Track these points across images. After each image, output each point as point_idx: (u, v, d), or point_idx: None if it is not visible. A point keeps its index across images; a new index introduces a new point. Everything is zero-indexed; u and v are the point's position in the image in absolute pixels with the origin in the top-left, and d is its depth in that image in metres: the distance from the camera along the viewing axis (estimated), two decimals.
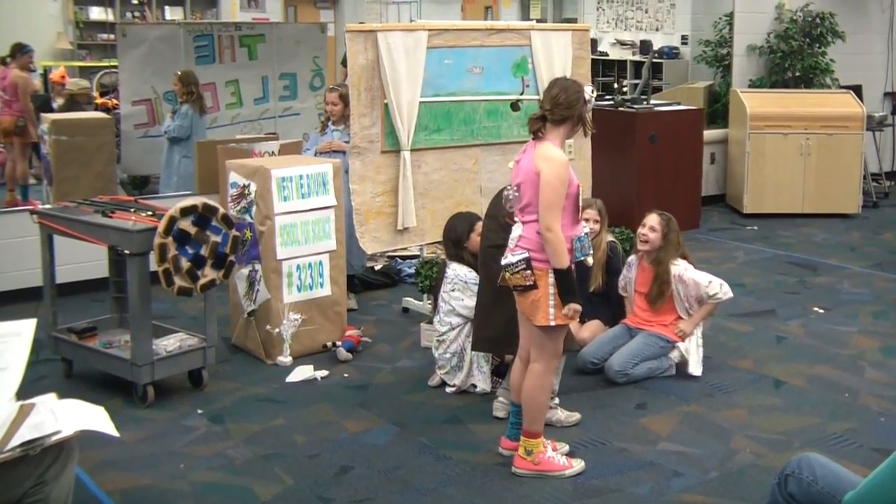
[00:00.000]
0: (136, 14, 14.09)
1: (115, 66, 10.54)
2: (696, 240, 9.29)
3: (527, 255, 4.33)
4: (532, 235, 4.34)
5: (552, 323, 4.36)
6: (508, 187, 4.54)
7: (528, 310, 4.39)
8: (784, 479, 3.16)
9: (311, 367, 5.89)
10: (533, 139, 4.45)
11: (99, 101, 11.08)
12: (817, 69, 11.13)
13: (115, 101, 10.38)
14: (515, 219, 4.46)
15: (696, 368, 5.80)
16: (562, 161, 4.31)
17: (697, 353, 5.84)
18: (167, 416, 5.25)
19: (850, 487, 2.82)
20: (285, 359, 5.98)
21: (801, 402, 5.48)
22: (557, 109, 4.40)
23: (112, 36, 12.29)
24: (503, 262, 4.39)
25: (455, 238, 5.70)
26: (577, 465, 4.60)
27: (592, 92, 4.55)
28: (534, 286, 4.32)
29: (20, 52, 10.06)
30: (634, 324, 5.96)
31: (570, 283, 4.34)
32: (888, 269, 8.42)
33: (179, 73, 8.96)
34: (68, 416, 3.23)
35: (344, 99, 7.17)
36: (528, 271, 4.31)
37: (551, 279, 4.31)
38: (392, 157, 6.46)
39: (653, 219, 5.90)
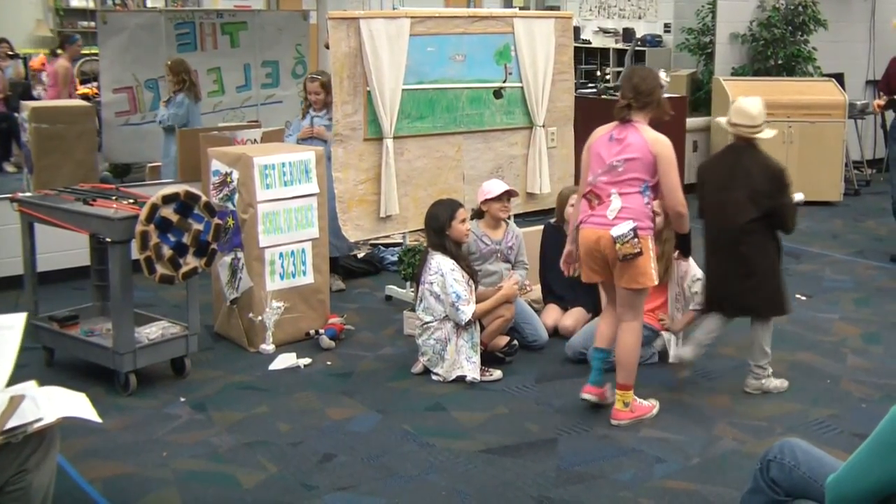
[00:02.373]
0: (117, 1, 13.95)
1: (95, 54, 10.46)
2: None
3: (633, 224, 4.75)
4: (635, 206, 4.81)
5: (655, 283, 4.91)
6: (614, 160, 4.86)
7: (632, 275, 4.82)
8: (766, 464, 3.16)
9: (293, 354, 5.88)
10: (620, 123, 4.91)
11: (80, 89, 10.99)
12: (799, 57, 11.17)
13: (94, 91, 10.30)
14: (612, 191, 4.84)
15: (674, 357, 5.82)
16: (671, 144, 4.91)
17: (678, 343, 5.86)
18: (149, 404, 5.23)
19: (832, 472, 2.82)
20: (268, 347, 5.97)
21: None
22: (640, 97, 4.89)
23: (93, 24, 12.19)
24: (613, 233, 4.77)
25: (437, 226, 5.67)
26: (656, 403, 5.15)
27: (666, 77, 5.08)
28: (640, 252, 4.75)
29: (68, 42, 10.06)
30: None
31: (690, 243, 5.21)
32: (870, 256, 8.46)
33: (169, 62, 8.89)
34: (50, 404, 3.21)
35: (326, 87, 7.15)
36: (636, 239, 4.74)
37: (651, 244, 4.83)
38: (375, 145, 6.43)
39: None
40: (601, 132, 5.00)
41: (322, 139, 6.99)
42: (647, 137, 4.83)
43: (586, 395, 5.09)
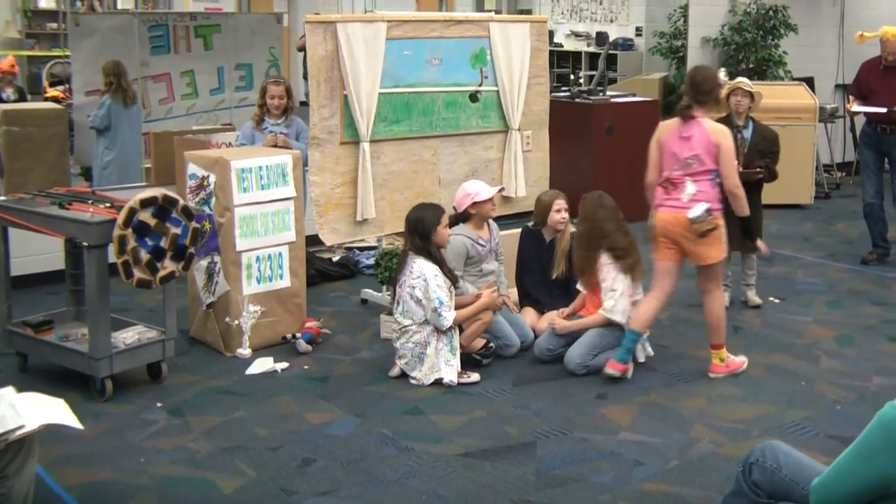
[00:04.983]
0: (82, 2, 13.72)
1: (63, 56, 10.38)
2: None
3: (707, 205, 5.42)
4: (708, 189, 5.48)
5: (724, 255, 5.72)
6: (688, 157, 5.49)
7: (706, 250, 5.53)
8: (748, 467, 3.20)
9: (270, 359, 5.87)
10: (682, 120, 5.51)
11: (49, 92, 10.90)
12: (770, 61, 11.27)
13: (62, 93, 10.19)
14: (686, 180, 5.48)
15: (640, 355, 5.88)
16: (729, 133, 5.60)
17: (644, 346, 5.92)
18: (126, 409, 5.20)
19: (813, 475, 2.86)
20: (245, 351, 5.95)
21: (759, 390, 5.55)
22: (701, 95, 5.52)
23: (63, 25, 12.09)
24: (689, 215, 5.41)
25: (423, 231, 5.64)
26: (745, 359, 5.82)
27: (725, 76, 6.04)
28: (715, 227, 5.44)
29: None
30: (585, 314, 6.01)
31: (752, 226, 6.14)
32: (841, 259, 8.55)
33: (103, 64, 8.83)
34: (30, 410, 3.19)
35: (289, 92, 7.15)
36: (710, 217, 5.42)
37: (721, 221, 5.51)
38: (351, 149, 6.43)
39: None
40: (668, 130, 5.58)
41: (287, 148, 6.93)
42: (708, 130, 5.47)
43: (610, 371, 5.58)
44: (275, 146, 6.93)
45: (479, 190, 6.09)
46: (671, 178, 5.53)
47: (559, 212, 6.25)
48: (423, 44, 6.68)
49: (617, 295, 5.76)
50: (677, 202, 5.51)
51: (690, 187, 5.48)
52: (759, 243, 6.26)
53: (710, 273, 5.68)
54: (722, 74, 5.84)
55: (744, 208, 5.67)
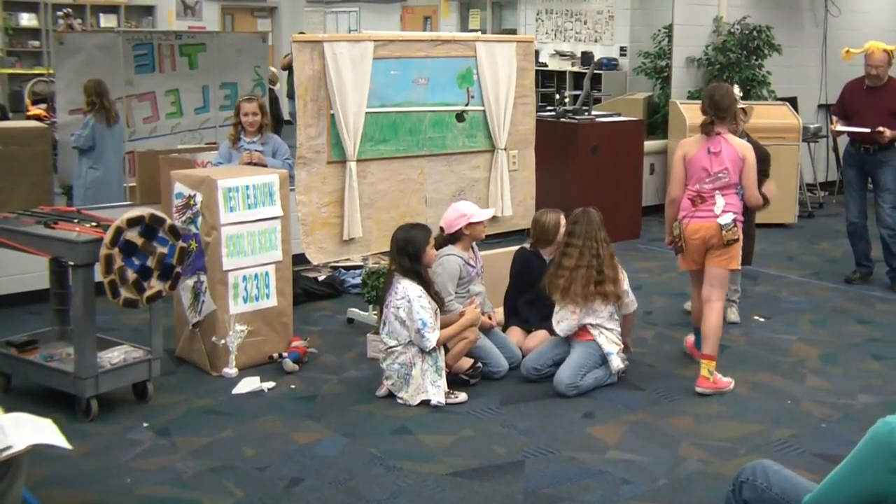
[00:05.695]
0: (62, 20, 13.62)
1: (45, 74, 10.33)
2: (636, 249, 9.40)
3: (734, 216, 5.83)
4: (735, 201, 5.89)
5: (738, 266, 6.06)
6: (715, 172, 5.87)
7: (727, 258, 5.90)
8: (739, 485, 3.20)
9: (257, 378, 5.85)
10: (707, 136, 5.88)
11: (31, 110, 10.86)
12: (754, 81, 11.32)
13: (44, 112, 10.15)
14: (716, 193, 5.86)
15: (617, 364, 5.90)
16: (752, 148, 6.01)
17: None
18: (112, 429, 5.16)
19: (803, 492, 2.86)
20: (231, 370, 5.93)
21: (745, 409, 5.56)
22: (720, 112, 5.87)
23: (45, 43, 12.06)
24: (721, 221, 5.81)
25: (414, 251, 5.60)
26: (732, 381, 5.91)
27: (739, 91, 6.62)
28: (738, 238, 5.85)
29: None
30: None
31: None
32: (825, 277, 8.59)
33: (84, 83, 8.81)
34: (18, 431, 3.16)
35: (263, 109, 7.16)
36: (736, 227, 5.82)
37: (741, 235, 5.91)
38: (338, 168, 6.43)
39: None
40: (694, 146, 5.94)
41: (263, 165, 6.92)
42: (736, 146, 5.89)
43: (689, 350, 6.30)
44: (250, 163, 6.92)
45: (474, 211, 6.08)
46: (701, 192, 5.88)
47: (564, 226, 6.28)
48: (409, 63, 6.70)
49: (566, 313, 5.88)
50: (709, 213, 5.86)
51: (720, 200, 5.84)
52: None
53: (717, 283, 5.93)
54: (737, 90, 6.32)
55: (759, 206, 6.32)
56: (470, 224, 6.02)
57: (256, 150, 7.10)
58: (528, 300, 6.41)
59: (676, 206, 6.02)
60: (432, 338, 5.49)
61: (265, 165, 6.91)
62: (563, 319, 5.87)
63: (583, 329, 5.87)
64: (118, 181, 8.94)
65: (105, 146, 8.65)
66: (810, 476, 3.57)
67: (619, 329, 5.95)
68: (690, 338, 6.38)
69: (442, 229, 6.11)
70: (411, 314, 5.49)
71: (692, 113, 10.38)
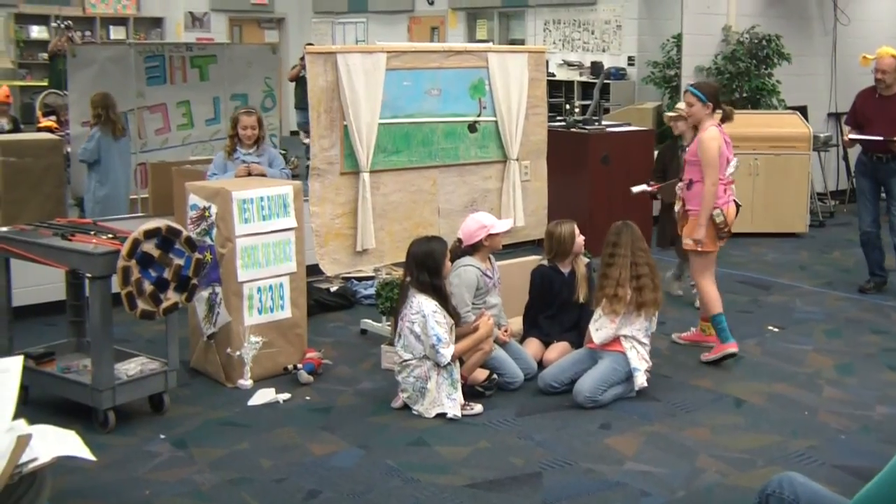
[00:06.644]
0: (65, 32, 13.52)
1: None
2: None
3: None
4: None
5: None
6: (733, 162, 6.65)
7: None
8: (765, 498, 3.19)
9: (272, 390, 5.84)
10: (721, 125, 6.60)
11: (42, 122, 10.88)
12: (764, 90, 11.31)
13: (54, 124, 10.15)
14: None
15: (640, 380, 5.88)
16: None
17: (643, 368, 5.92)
18: (129, 441, 5.16)
19: None
20: (246, 382, 5.93)
21: (762, 420, 5.54)
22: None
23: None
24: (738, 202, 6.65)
25: (434, 265, 5.58)
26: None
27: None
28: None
29: None
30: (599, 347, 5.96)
31: None
32: (838, 287, 8.57)
33: (91, 96, 8.81)
34: (43, 443, 3.15)
35: (261, 122, 7.17)
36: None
37: None
38: (351, 179, 6.44)
39: None
40: (722, 137, 6.49)
41: (262, 175, 6.91)
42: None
43: (730, 350, 6.43)
44: (248, 175, 6.91)
45: (493, 222, 6.07)
46: (731, 179, 6.57)
47: (580, 235, 6.32)
48: (422, 74, 6.71)
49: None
50: (733, 196, 6.59)
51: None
52: None
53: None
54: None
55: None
56: (490, 235, 6.02)
57: (254, 162, 7.09)
58: (549, 315, 6.40)
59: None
60: (447, 353, 5.48)
61: (264, 175, 6.91)
62: (603, 328, 5.85)
63: (615, 340, 5.86)
64: (126, 195, 8.94)
65: (112, 159, 8.64)
66: (830, 488, 3.55)
67: (649, 347, 5.93)
68: (723, 346, 6.46)
69: (458, 240, 6.11)
70: (426, 329, 5.49)
71: None
